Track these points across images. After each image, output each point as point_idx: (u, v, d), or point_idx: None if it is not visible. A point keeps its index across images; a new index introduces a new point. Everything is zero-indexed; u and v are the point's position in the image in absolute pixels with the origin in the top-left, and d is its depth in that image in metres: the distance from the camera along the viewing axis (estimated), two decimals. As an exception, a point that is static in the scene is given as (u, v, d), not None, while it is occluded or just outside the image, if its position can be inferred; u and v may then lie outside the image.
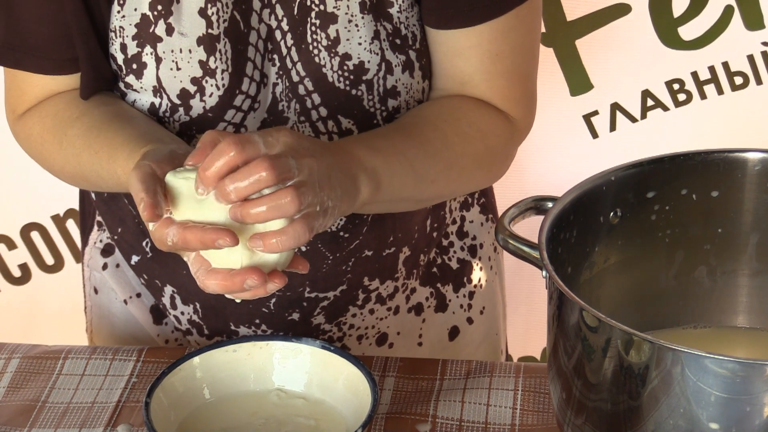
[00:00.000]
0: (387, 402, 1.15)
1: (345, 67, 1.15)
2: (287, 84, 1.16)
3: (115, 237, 1.30)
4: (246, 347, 1.11)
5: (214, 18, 1.13)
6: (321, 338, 1.26)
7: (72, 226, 1.98)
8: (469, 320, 1.37)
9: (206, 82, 1.14)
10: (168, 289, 1.28)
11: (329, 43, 1.14)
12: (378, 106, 1.17)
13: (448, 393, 1.15)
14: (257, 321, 1.25)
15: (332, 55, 1.15)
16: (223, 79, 1.14)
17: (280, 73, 1.16)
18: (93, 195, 1.32)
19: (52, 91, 1.20)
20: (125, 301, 1.33)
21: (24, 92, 1.21)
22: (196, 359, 1.10)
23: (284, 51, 1.15)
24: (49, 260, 2.01)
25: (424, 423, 1.12)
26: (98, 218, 1.34)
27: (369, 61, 1.15)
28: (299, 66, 1.15)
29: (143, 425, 1.09)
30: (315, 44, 1.15)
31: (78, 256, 2.01)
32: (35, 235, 1.98)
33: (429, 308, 1.33)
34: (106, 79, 1.18)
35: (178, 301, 1.27)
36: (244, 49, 1.15)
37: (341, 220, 1.21)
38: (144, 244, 1.27)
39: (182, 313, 1.28)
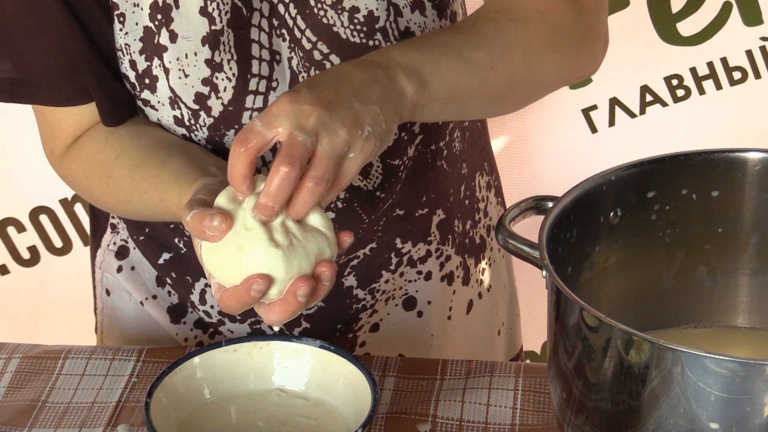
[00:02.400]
0: (387, 402, 1.15)
1: (355, 20, 1.14)
2: (301, 54, 1.15)
3: (141, 238, 1.30)
4: (246, 347, 1.11)
5: (215, 14, 1.12)
6: (355, 306, 1.26)
7: (80, 210, 2.00)
8: (479, 295, 1.37)
9: (216, 78, 1.14)
10: (199, 284, 1.27)
11: (334, 0, 1.13)
12: None
13: (448, 393, 1.15)
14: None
15: (339, 11, 1.14)
16: (231, 69, 1.14)
17: (292, 45, 1.15)
18: None
19: (82, 123, 1.20)
20: (141, 303, 1.33)
21: (55, 128, 1.21)
22: (196, 359, 1.10)
23: (290, 23, 1.14)
24: (58, 243, 2.03)
25: (424, 423, 1.12)
26: (112, 220, 1.33)
27: (377, 9, 1.14)
28: (308, 32, 1.14)
29: (143, 425, 1.09)
30: (320, 5, 1.14)
31: (86, 240, 2.02)
32: (44, 219, 2.00)
33: (458, 279, 1.33)
34: (122, 101, 1.17)
35: (208, 295, 1.27)
36: (246, 33, 1.14)
37: (378, 178, 1.20)
38: (176, 240, 1.26)
39: (212, 307, 1.28)
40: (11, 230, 2.01)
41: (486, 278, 1.38)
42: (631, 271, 1.08)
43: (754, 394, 0.86)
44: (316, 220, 0.96)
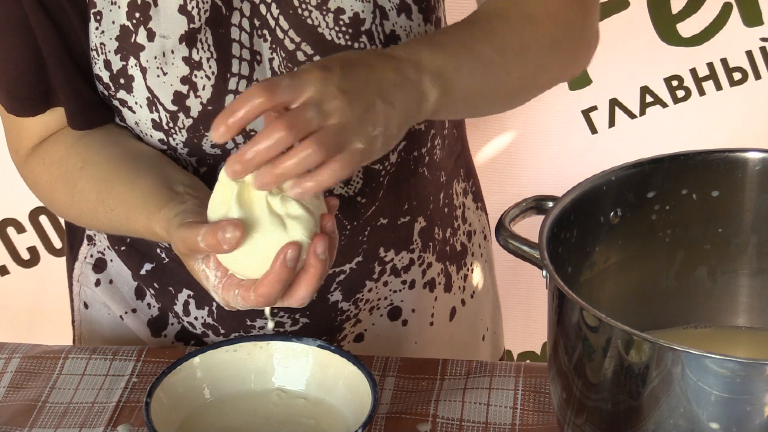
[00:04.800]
0: (387, 402, 1.15)
1: (341, 22, 1.13)
2: (283, 55, 1.14)
3: (122, 248, 1.29)
4: (246, 347, 1.11)
5: (194, 12, 1.11)
6: (339, 317, 1.26)
7: (79, 211, 2.00)
8: (463, 302, 1.38)
9: (195, 76, 1.13)
10: (183, 295, 1.26)
11: (319, 1, 1.13)
12: None
13: (449, 393, 1.15)
14: (275, 310, 1.24)
15: (324, 12, 1.13)
16: (210, 67, 1.13)
17: (274, 46, 1.14)
18: None
19: (50, 125, 1.18)
20: (121, 317, 1.32)
21: (22, 129, 1.19)
22: (197, 359, 1.10)
23: (272, 23, 1.14)
24: (57, 244, 2.03)
25: (424, 423, 1.12)
26: (88, 232, 1.32)
27: (363, 11, 1.14)
28: (292, 32, 1.14)
29: (144, 425, 1.09)
30: (304, 6, 1.13)
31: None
32: (44, 219, 2.00)
33: (440, 285, 1.33)
34: (91, 105, 1.16)
35: (192, 306, 1.26)
36: (226, 32, 1.13)
37: (358, 183, 1.20)
38: (158, 251, 1.26)
39: (196, 318, 1.27)
40: (11, 231, 2.01)
41: (468, 284, 1.38)
42: (631, 271, 1.08)
43: (754, 394, 0.86)
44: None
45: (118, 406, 1.17)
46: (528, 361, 1.69)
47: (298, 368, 1.11)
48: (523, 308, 2.03)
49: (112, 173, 1.12)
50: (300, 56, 1.14)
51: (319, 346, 1.10)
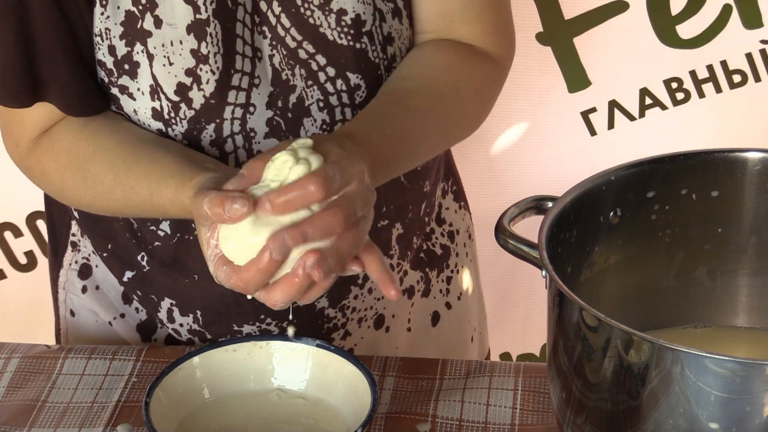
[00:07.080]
0: (387, 401, 1.15)
1: (343, 23, 1.15)
2: (284, 52, 1.15)
3: (104, 254, 1.28)
4: (246, 347, 1.11)
5: (200, 2, 1.11)
6: (326, 325, 1.26)
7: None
8: (448, 305, 1.38)
9: (200, 70, 1.13)
10: (165, 303, 1.26)
11: (321, 1, 1.14)
12: (381, 56, 1.17)
13: (448, 393, 1.16)
14: (262, 316, 1.24)
15: (327, 12, 1.14)
16: (216, 62, 1.13)
17: (274, 43, 1.15)
18: (75, 213, 1.29)
19: (53, 114, 1.16)
20: (110, 323, 1.31)
21: (25, 119, 1.16)
22: (196, 359, 1.10)
23: (273, 20, 1.14)
24: (55, 248, 2.02)
25: (423, 423, 1.12)
26: (72, 238, 1.31)
27: (364, 13, 1.15)
28: (293, 31, 1.14)
29: (143, 425, 1.09)
30: (306, 5, 1.14)
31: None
32: (41, 223, 1.99)
33: (418, 292, 1.34)
34: (90, 92, 1.14)
35: (176, 313, 1.26)
36: (232, 27, 1.13)
37: None
38: (139, 258, 1.25)
39: (181, 325, 1.27)
40: (8, 235, 2.00)
41: (454, 287, 1.38)
42: (631, 271, 1.09)
43: (753, 393, 0.87)
44: None
45: (118, 405, 1.17)
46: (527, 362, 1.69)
47: (298, 368, 1.11)
48: (522, 309, 2.02)
49: (129, 155, 1.11)
50: (302, 54, 1.15)
51: (318, 345, 1.10)
